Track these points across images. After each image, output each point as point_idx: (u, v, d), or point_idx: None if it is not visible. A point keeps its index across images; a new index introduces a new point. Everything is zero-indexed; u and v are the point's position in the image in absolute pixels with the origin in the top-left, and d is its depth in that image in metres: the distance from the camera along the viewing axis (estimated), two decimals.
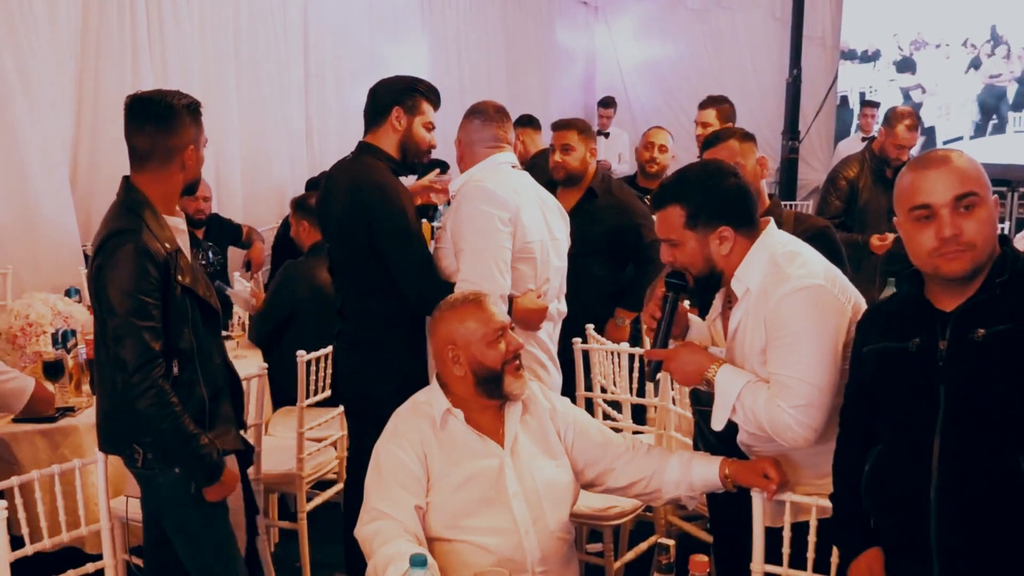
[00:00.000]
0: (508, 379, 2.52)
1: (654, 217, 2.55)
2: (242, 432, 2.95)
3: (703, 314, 2.79)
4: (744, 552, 2.52)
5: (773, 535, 2.48)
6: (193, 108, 2.71)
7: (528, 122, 6.63)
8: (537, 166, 5.49)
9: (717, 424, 2.45)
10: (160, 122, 2.66)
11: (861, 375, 2.18)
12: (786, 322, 2.31)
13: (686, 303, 2.75)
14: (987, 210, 1.95)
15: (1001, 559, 1.93)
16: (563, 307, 3.61)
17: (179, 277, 2.63)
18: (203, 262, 5.43)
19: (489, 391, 2.53)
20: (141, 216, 2.61)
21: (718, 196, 2.43)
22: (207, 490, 2.70)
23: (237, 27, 6.45)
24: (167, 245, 2.62)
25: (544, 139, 6.65)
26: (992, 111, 9.23)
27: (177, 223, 2.74)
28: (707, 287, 2.54)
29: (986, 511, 1.92)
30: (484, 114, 3.46)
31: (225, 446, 2.74)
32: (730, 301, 2.57)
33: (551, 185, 4.60)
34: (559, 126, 4.71)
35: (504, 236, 3.23)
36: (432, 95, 3.44)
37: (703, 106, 5.34)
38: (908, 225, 2.00)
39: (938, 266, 1.95)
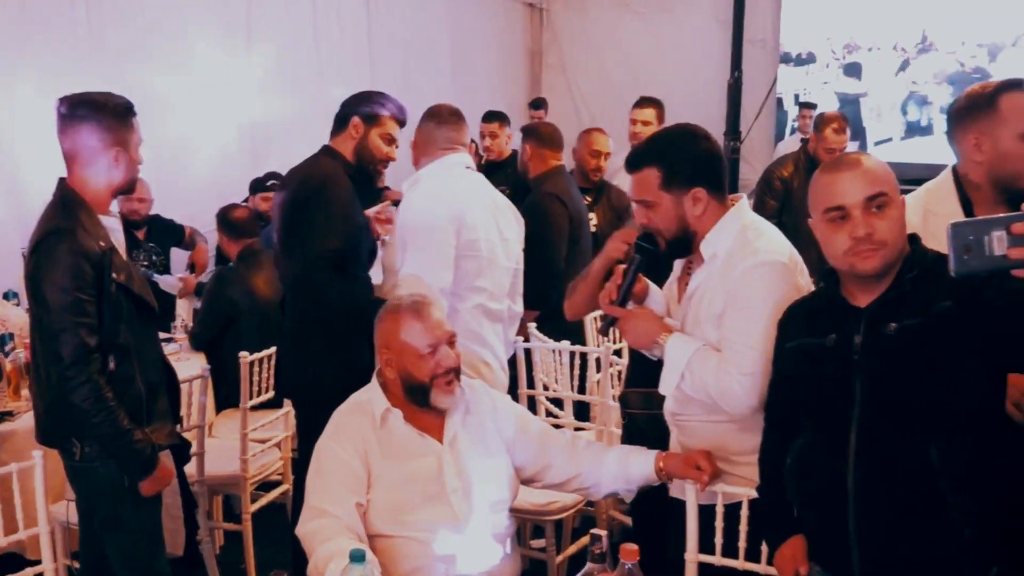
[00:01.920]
0: (435, 392, 2.54)
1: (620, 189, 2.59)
2: (178, 428, 2.99)
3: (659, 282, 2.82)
4: (662, 533, 2.59)
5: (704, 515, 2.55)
6: (123, 109, 2.75)
7: (504, 117, 6.83)
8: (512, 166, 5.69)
9: (665, 388, 2.49)
10: (85, 123, 2.70)
11: (783, 370, 2.24)
12: (747, 292, 2.37)
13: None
14: (897, 209, 2.02)
15: (915, 544, 2.00)
16: (517, 307, 3.68)
17: (114, 275, 2.67)
18: (145, 263, 5.41)
19: (416, 400, 2.56)
20: (76, 215, 2.66)
21: (692, 158, 2.48)
22: (142, 484, 2.75)
23: (180, 28, 6.41)
24: (102, 243, 2.66)
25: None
26: (921, 113, 9.41)
27: (111, 223, 2.79)
28: (679, 249, 2.56)
29: (901, 498, 1.99)
30: (439, 116, 3.56)
31: (160, 441, 2.79)
32: (689, 266, 2.62)
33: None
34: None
35: (448, 233, 3.31)
36: (396, 110, 3.55)
37: (641, 105, 5.57)
38: (823, 226, 2.07)
39: (852, 264, 2.02)
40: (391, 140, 3.52)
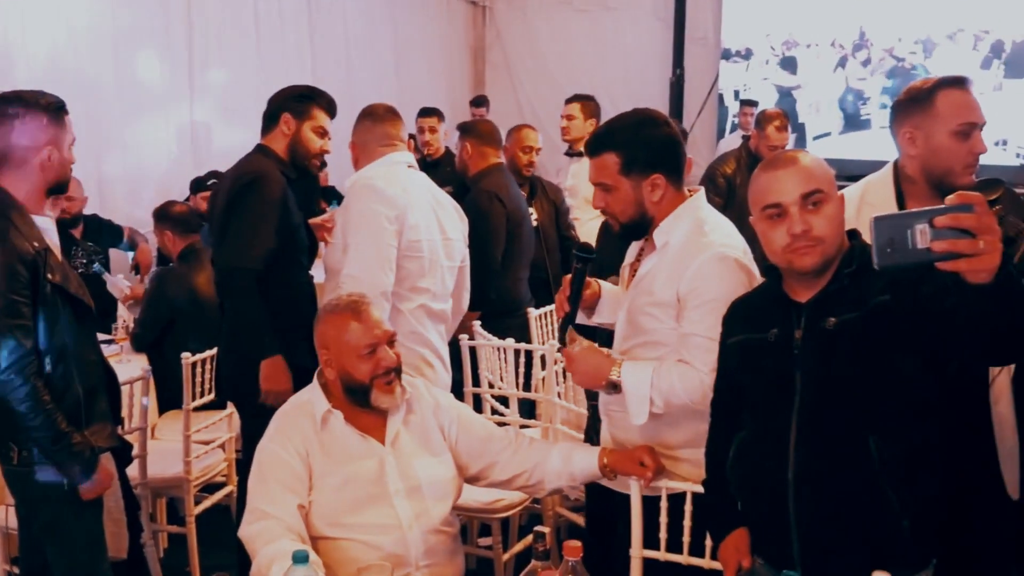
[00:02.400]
0: (375, 393, 2.53)
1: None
2: (119, 429, 2.95)
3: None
4: (613, 528, 2.61)
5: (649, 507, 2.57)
6: (54, 108, 2.71)
7: (439, 113, 6.96)
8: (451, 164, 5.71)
9: (639, 419, 2.46)
10: (17, 122, 2.66)
11: (727, 366, 2.27)
12: (706, 286, 2.39)
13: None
14: (833, 206, 2.05)
15: (855, 536, 2.03)
16: (464, 303, 3.67)
17: (49, 276, 2.63)
18: (84, 261, 5.33)
19: (357, 400, 2.55)
20: (8, 217, 2.63)
21: (652, 144, 2.50)
22: (82, 488, 2.71)
23: (116, 24, 6.30)
24: (35, 244, 2.62)
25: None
26: (859, 108, 9.56)
27: (45, 223, 2.74)
28: (635, 233, 2.59)
29: (840, 491, 2.02)
30: (374, 114, 3.53)
31: (100, 443, 2.76)
32: (642, 252, 2.64)
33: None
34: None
35: (390, 234, 3.29)
36: (324, 102, 3.54)
37: (569, 101, 5.90)
38: (762, 223, 2.09)
39: (791, 260, 2.04)
40: (323, 132, 3.53)
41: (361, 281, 3.16)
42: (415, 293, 3.43)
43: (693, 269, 2.41)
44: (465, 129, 4.86)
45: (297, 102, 3.49)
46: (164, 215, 4.84)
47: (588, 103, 5.90)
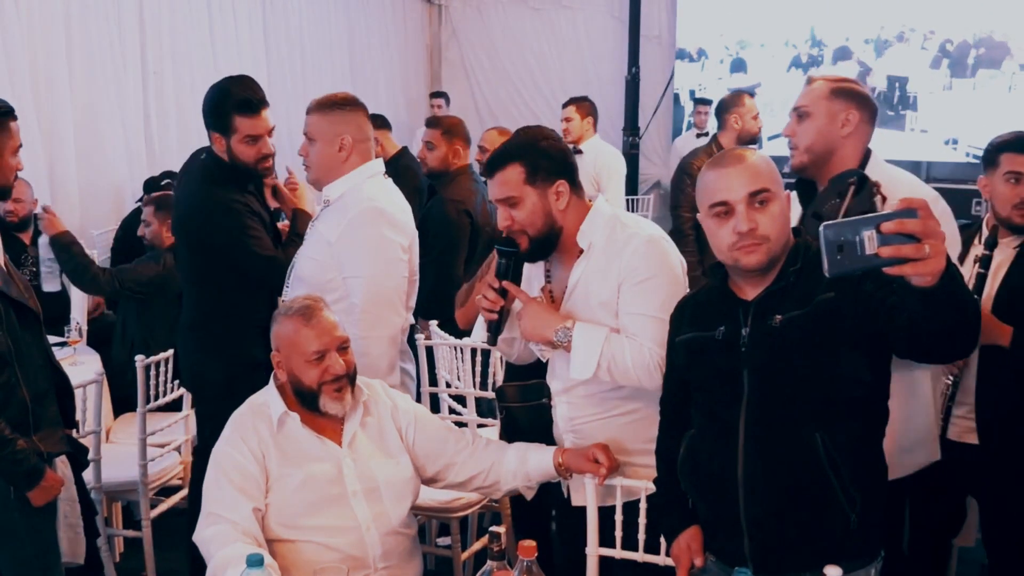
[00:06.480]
0: (324, 399, 2.52)
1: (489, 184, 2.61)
2: (72, 433, 2.92)
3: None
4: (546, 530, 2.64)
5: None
6: (1, 113, 2.68)
7: (384, 123, 6.77)
8: (409, 168, 5.67)
9: (582, 373, 2.46)
10: None
11: (675, 364, 2.30)
12: (641, 267, 2.45)
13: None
14: (779, 205, 2.08)
15: (804, 531, 2.06)
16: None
17: None
18: (33, 270, 5.26)
19: (305, 404, 2.55)
20: None
21: (551, 154, 2.56)
22: (31, 495, 2.68)
23: (68, 22, 6.21)
24: None
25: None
26: None
27: None
28: (545, 247, 2.59)
29: (788, 487, 2.05)
30: (364, 108, 3.24)
31: (50, 449, 2.73)
32: (549, 272, 2.70)
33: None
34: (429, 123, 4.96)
35: (403, 267, 3.12)
36: (240, 105, 3.42)
37: (564, 104, 6.08)
38: (709, 221, 2.12)
39: (737, 258, 2.08)
40: (255, 138, 3.42)
41: (374, 323, 3.01)
42: (405, 313, 3.26)
43: (627, 255, 2.47)
44: (435, 123, 4.78)
45: (216, 119, 3.43)
46: (167, 203, 4.53)
47: (583, 103, 6.04)
